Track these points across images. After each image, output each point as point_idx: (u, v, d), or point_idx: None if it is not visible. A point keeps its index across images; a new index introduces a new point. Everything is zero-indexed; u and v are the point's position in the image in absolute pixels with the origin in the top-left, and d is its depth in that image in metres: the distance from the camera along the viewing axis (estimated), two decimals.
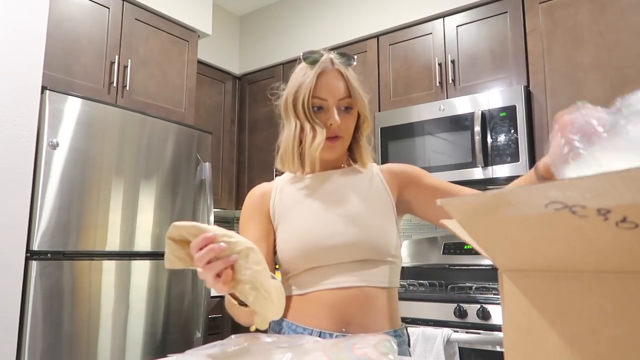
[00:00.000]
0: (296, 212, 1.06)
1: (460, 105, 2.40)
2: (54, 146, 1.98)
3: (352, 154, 1.13)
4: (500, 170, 2.26)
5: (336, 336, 0.95)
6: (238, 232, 0.92)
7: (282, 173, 1.17)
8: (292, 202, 1.08)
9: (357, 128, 1.10)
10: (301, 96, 1.03)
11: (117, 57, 2.43)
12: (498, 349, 1.89)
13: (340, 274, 0.98)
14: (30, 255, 1.89)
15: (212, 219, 2.56)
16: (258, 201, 1.12)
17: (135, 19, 2.56)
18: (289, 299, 1.03)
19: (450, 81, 2.53)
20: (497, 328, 1.90)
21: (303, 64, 1.08)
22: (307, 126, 1.03)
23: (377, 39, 2.85)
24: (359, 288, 0.98)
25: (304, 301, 1.01)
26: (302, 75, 1.06)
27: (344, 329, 0.97)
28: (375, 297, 0.99)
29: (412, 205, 1.10)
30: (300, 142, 1.05)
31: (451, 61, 2.54)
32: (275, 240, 1.08)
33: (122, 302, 2.14)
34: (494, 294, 2.03)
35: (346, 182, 1.08)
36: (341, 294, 0.98)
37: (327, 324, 0.97)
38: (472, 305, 1.98)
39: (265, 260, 0.79)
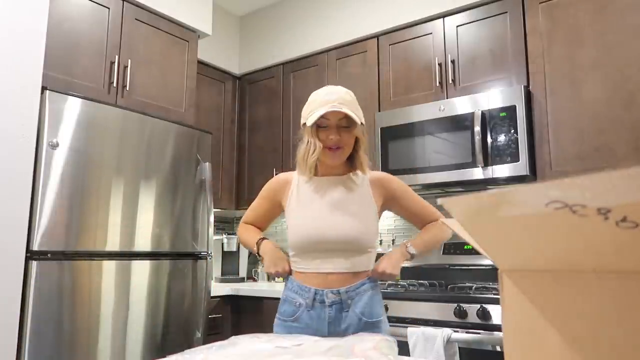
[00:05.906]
0: (307, 209, 1.47)
1: (460, 105, 2.40)
2: (54, 146, 1.98)
3: (353, 162, 1.48)
4: (500, 170, 2.26)
5: (333, 302, 1.37)
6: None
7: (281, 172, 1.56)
8: (305, 200, 1.48)
9: (356, 142, 1.46)
10: (309, 123, 1.41)
11: (117, 57, 2.43)
12: (498, 349, 1.89)
13: (335, 258, 1.40)
14: (30, 255, 1.89)
15: (212, 219, 2.56)
16: (279, 188, 1.56)
17: (135, 19, 2.56)
18: (294, 272, 1.48)
19: (450, 81, 2.53)
20: (497, 328, 1.90)
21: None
22: (312, 142, 1.42)
23: (377, 39, 2.85)
24: (348, 271, 1.41)
25: (304, 276, 1.44)
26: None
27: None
28: (360, 277, 1.42)
29: (395, 212, 1.58)
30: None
31: (451, 61, 2.54)
32: (271, 220, 1.64)
33: (122, 302, 2.14)
34: (494, 294, 2.03)
35: (345, 190, 1.48)
36: (334, 274, 1.41)
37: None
38: (472, 305, 1.98)
39: None
